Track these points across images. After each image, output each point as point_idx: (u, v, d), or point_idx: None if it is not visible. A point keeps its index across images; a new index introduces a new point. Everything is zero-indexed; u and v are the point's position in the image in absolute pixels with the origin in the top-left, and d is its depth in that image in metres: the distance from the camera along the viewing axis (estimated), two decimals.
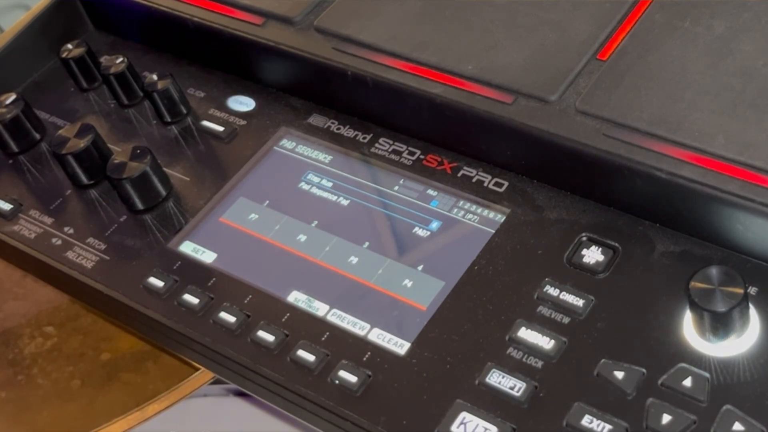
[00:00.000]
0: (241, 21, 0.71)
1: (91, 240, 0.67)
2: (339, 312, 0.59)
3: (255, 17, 0.71)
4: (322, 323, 0.59)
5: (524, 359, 0.54)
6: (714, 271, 0.50)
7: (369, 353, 0.57)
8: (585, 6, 0.64)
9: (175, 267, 0.64)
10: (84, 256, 0.66)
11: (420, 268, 0.60)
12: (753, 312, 0.52)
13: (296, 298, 0.60)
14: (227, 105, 0.73)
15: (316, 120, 0.70)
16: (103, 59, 0.75)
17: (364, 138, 0.68)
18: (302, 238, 0.63)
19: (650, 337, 0.53)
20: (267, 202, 0.66)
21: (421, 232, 0.62)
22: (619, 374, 0.52)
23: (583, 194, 0.60)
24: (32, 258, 0.68)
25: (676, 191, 0.55)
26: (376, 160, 0.66)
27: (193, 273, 0.63)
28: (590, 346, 0.54)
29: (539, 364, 0.54)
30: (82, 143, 0.68)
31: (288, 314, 0.59)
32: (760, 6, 0.61)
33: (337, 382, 0.56)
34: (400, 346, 0.57)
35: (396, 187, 0.65)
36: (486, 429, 0.52)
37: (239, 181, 0.68)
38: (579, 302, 0.55)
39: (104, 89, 0.76)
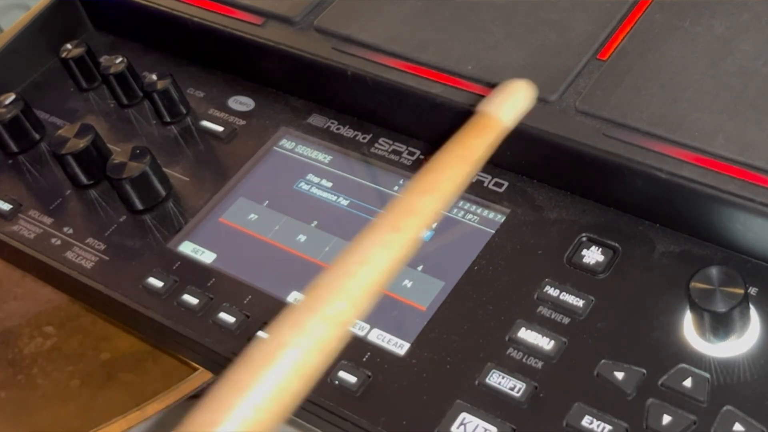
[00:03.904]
0: (241, 21, 0.71)
1: (90, 240, 0.67)
2: None
3: (255, 17, 0.71)
4: None
5: (524, 359, 0.54)
6: (714, 271, 0.50)
7: (369, 353, 0.56)
8: (585, 6, 0.64)
9: (174, 267, 0.64)
10: (83, 256, 0.66)
11: (420, 268, 0.60)
12: (753, 312, 0.52)
13: (296, 298, 0.60)
14: (227, 105, 0.73)
15: (316, 120, 0.70)
16: (103, 59, 0.75)
17: (364, 138, 0.68)
18: (302, 238, 0.63)
19: (650, 337, 0.53)
20: (267, 202, 0.66)
21: None
22: (619, 374, 0.52)
23: (583, 194, 0.60)
24: (32, 258, 0.67)
25: (676, 191, 0.55)
26: (375, 160, 0.66)
27: (192, 273, 0.63)
28: (590, 347, 0.54)
29: (539, 364, 0.54)
30: (82, 143, 0.68)
31: None
32: (760, 6, 0.61)
33: (336, 382, 0.56)
34: (399, 347, 0.57)
35: (396, 188, 0.64)
36: (486, 429, 0.52)
37: (239, 181, 0.67)
38: (579, 302, 0.55)
39: (104, 89, 0.76)
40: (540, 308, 0.56)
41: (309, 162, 0.68)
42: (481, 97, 0.61)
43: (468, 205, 0.62)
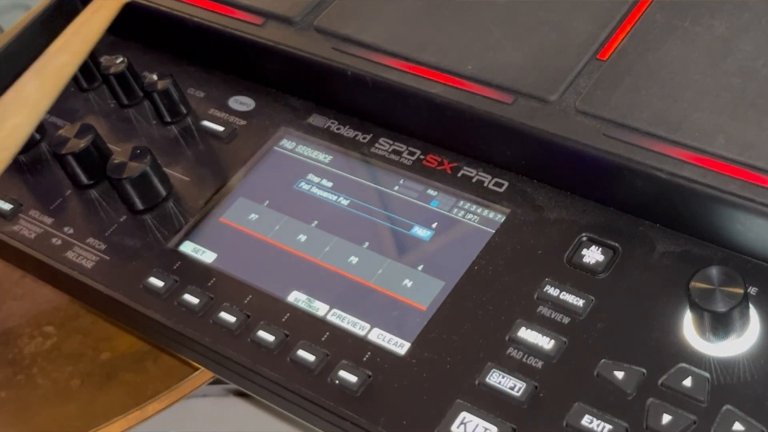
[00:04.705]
0: (241, 21, 0.71)
1: (90, 240, 0.67)
2: (339, 312, 0.59)
3: (255, 17, 0.71)
4: (322, 323, 0.58)
5: (524, 359, 0.54)
6: (714, 271, 0.50)
7: (369, 353, 0.57)
8: (585, 6, 0.64)
9: (175, 267, 0.64)
10: (84, 256, 0.66)
11: (420, 268, 0.60)
12: (753, 312, 0.52)
13: (296, 298, 0.60)
14: (227, 105, 0.73)
15: (316, 120, 0.70)
16: (103, 59, 0.75)
17: (364, 138, 0.68)
18: (302, 238, 0.63)
19: (650, 337, 0.53)
20: (267, 202, 0.66)
21: (420, 232, 0.62)
22: (619, 374, 0.52)
23: (583, 194, 0.60)
24: (32, 258, 0.67)
25: (676, 191, 0.55)
26: (376, 160, 0.66)
27: (193, 273, 0.63)
28: (590, 346, 0.54)
29: (539, 364, 0.54)
30: (82, 143, 0.68)
31: (288, 314, 0.59)
32: (760, 6, 0.61)
33: (337, 382, 0.56)
34: (400, 346, 0.57)
35: (396, 187, 0.64)
36: (486, 429, 0.52)
37: (239, 181, 0.67)
38: (579, 302, 0.55)
39: (104, 89, 0.76)
40: (540, 308, 0.56)
41: (309, 162, 0.68)
42: (481, 96, 0.62)
43: (468, 205, 0.62)
